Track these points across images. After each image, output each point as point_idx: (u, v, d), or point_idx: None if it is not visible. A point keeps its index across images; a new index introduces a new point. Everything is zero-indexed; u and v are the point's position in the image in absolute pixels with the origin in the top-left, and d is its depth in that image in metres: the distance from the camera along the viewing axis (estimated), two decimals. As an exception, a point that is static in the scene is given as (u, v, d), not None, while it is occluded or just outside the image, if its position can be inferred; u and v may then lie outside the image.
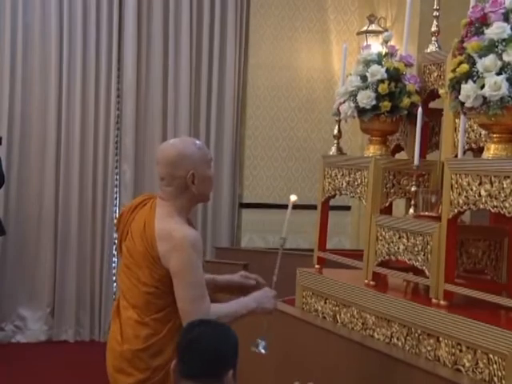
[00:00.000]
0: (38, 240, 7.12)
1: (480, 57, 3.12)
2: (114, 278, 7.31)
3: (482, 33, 3.19)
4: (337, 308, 4.01)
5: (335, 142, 4.35)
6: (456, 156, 3.70)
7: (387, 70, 3.96)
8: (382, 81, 3.94)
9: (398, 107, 3.96)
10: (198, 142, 3.22)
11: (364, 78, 3.99)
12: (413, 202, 3.83)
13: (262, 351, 3.20)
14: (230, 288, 3.39)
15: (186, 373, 2.50)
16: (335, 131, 4.36)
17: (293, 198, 3.36)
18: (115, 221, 7.27)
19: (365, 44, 4.65)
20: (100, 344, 7.15)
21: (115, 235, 7.31)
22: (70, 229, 7.13)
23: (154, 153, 7.20)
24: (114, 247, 7.33)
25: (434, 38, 4.09)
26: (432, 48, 4.08)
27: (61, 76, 7.10)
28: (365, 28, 7.16)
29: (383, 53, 4.07)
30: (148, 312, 3.05)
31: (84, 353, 6.83)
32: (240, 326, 2.97)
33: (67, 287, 7.14)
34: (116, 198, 7.37)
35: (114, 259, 7.34)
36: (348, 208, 7.59)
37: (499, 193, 3.08)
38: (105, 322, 7.22)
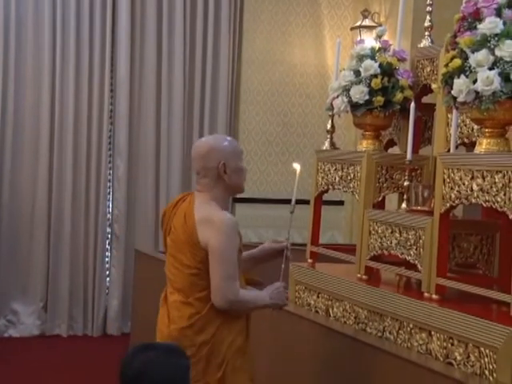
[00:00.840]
0: (31, 234, 7.10)
1: (472, 52, 3.14)
2: (108, 273, 7.31)
3: (475, 28, 3.20)
4: (329, 302, 4.02)
5: (328, 136, 4.36)
6: (448, 151, 3.71)
7: (380, 65, 3.97)
8: (375, 76, 3.95)
9: (391, 102, 3.97)
10: (228, 137, 3.49)
11: (357, 73, 4.00)
12: (405, 197, 3.84)
13: None
14: (266, 256, 3.64)
15: None
16: (328, 126, 4.37)
17: (296, 166, 3.53)
18: (109, 216, 7.31)
19: (358, 39, 4.65)
20: (93, 338, 7.16)
21: (108, 230, 7.32)
22: (63, 223, 7.12)
23: (148, 147, 7.35)
24: (108, 242, 7.34)
25: (427, 33, 4.10)
26: (425, 43, 4.09)
27: (54, 71, 7.07)
28: (358, 23, 7.17)
29: (376, 48, 4.08)
30: (191, 293, 3.27)
31: (77, 347, 6.83)
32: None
33: (60, 282, 7.13)
34: (109, 193, 7.35)
35: (108, 253, 7.34)
36: (341, 203, 7.60)
37: (491, 187, 3.10)
38: (98, 317, 7.22)
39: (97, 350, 6.78)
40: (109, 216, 7.33)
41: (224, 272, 3.18)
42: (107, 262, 7.33)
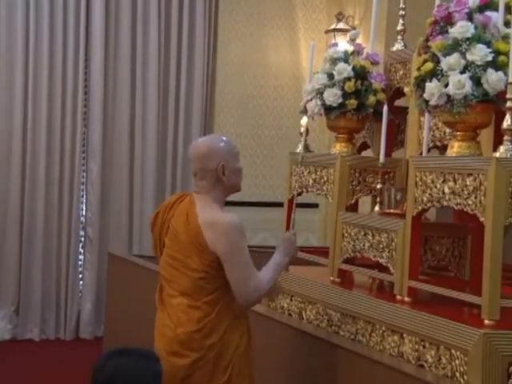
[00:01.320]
0: (3, 238, 7.04)
1: (444, 55, 3.15)
2: (81, 276, 7.27)
3: (447, 32, 3.22)
4: (302, 305, 4.02)
5: (302, 139, 4.36)
6: (421, 154, 3.73)
7: (354, 68, 3.98)
8: (348, 79, 3.96)
9: (364, 105, 3.99)
10: (224, 137, 3.48)
11: (331, 76, 4.01)
12: (378, 200, 3.85)
13: None
14: None
15: None
16: (302, 129, 4.37)
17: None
18: (82, 219, 7.26)
19: (332, 42, 4.67)
20: (65, 342, 7.11)
21: (82, 233, 7.28)
22: (36, 226, 7.07)
23: (122, 150, 7.31)
24: (81, 245, 7.29)
25: (399, 37, 4.12)
26: (398, 46, 4.10)
27: (27, 74, 7.03)
28: (333, 26, 7.19)
29: (350, 51, 4.09)
30: (199, 296, 3.27)
31: (49, 351, 6.78)
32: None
33: (32, 285, 7.07)
34: (83, 196, 7.32)
35: (81, 257, 7.29)
36: (316, 205, 7.61)
37: (462, 190, 3.11)
38: (70, 320, 7.18)
39: (69, 354, 6.74)
40: (82, 219, 7.30)
41: (241, 275, 3.22)
42: (80, 266, 7.30)
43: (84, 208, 7.31)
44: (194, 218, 3.28)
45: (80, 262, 7.30)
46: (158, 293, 3.43)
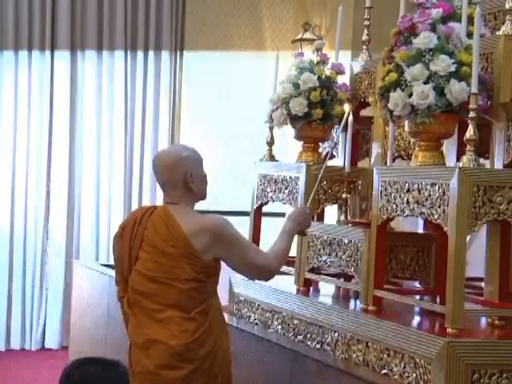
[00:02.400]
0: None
1: (408, 66, 3.18)
2: (46, 286, 7.21)
3: (410, 42, 3.24)
4: (268, 314, 4.02)
5: (268, 148, 4.37)
6: (386, 163, 3.75)
7: (319, 78, 4.00)
8: (314, 88, 3.98)
9: (330, 115, 4.00)
10: (188, 146, 3.46)
11: (296, 86, 4.02)
12: (344, 209, 3.87)
13: None
14: None
15: None
16: (268, 138, 4.38)
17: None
18: (48, 228, 7.21)
19: (298, 52, 4.68)
20: (31, 353, 7.05)
21: (47, 242, 7.22)
22: (1, 235, 7.01)
23: (89, 156, 7.25)
24: (47, 253, 7.23)
25: (364, 47, 4.14)
26: (363, 56, 4.13)
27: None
28: (299, 36, 7.22)
29: (315, 61, 4.11)
30: (191, 308, 3.24)
31: (15, 362, 6.72)
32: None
33: (-3, 295, 7.02)
34: (49, 205, 7.27)
35: (46, 266, 7.23)
36: (283, 215, 7.59)
37: (426, 200, 3.13)
38: (36, 331, 7.12)
39: (35, 364, 6.68)
40: (48, 228, 7.24)
41: (249, 258, 3.29)
42: (46, 275, 7.24)
43: (49, 217, 7.26)
44: (177, 228, 3.23)
45: (46, 271, 7.24)
46: (127, 308, 3.33)
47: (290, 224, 3.45)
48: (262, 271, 3.34)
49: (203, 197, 3.42)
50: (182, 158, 3.33)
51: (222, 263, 3.33)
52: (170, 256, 3.24)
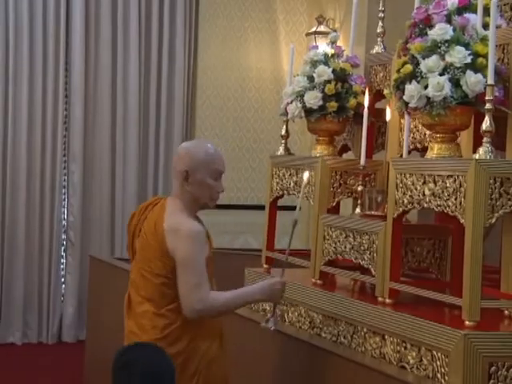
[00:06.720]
0: (-15, 242, 7.03)
1: (423, 57, 3.16)
2: (63, 280, 7.26)
3: (426, 34, 3.23)
4: (284, 307, 4.02)
5: (283, 142, 4.37)
6: (401, 156, 3.74)
7: (334, 71, 3.99)
8: (328, 81, 3.97)
9: (345, 107, 3.99)
10: (211, 149, 3.38)
11: (311, 79, 4.01)
12: (359, 202, 3.86)
13: (271, 325, 3.41)
14: None
15: None
16: (283, 131, 4.37)
17: (306, 175, 3.56)
18: (64, 223, 7.24)
19: (312, 45, 4.68)
20: (48, 346, 7.08)
21: (63, 236, 7.26)
22: (17, 230, 7.05)
23: (103, 152, 7.30)
24: (63, 248, 7.27)
25: (379, 39, 4.13)
26: (378, 49, 4.12)
27: (7, 76, 7.01)
28: (313, 29, 7.20)
29: (330, 53, 4.10)
30: (163, 303, 3.24)
31: (31, 355, 6.75)
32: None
33: (14, 289, 7.05)
34: (64, 199, 7.30)
35: (63, 260, 7.28)
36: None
37: (442, 192, 3.12)
38: (53, 324, 7.15)
39: (52, 357, 6.71)
40: (64, 222, 7.28)
41: (190, 281, 3.18)
42: (62, 269, 7.28)
43: (65, 211, 7.30)
44: (161, 222, 3.27)
45: (62, 266, 7.29)
46: (127, 299, 3.40)
47: (257, 291, 3.35)
48: (189, 305, 3.18)
49: (201, 202, 3.34)
50: (191, 153, 3.31)
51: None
52: (151, 249, 3.28)
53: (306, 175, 3.55)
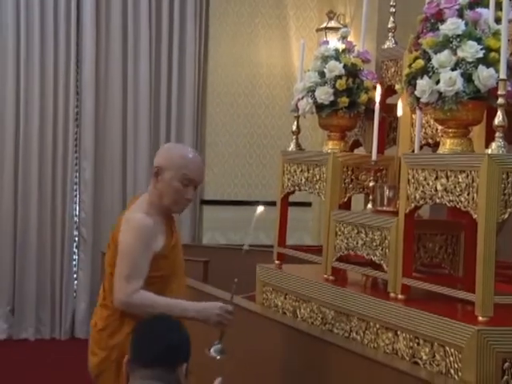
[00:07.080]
0: (-3, 238, 7.05)
1: (435, 52, 3.15)
2: (75, 276, 7.29)
3: (437, 29, 3.22)
4: (296, 303, 4.02)
5: (294, 137, 4.36)
6: (413, 151, 3.73)
7: (345, 66, 3.98)
8: (339, 77, 3.96)
9: (356, 103, 3.98)
10: (189, 155, 3.34)
11: (322, 74, 4.01)
12: (371, 197, 3.85)
13: (214, 355, 3.25)
14: None
15: (142, 361, 2.52)
16: (294, 127, 4.37)
17: (259, 209, 3.42)
18: (75, 219, 7.26)
19: (323, 40, 4.66)
20: (61, 342, 7.11)
21: (75, 232, 7.29)
22: (30, 226, 7.08)
23: (114, 149, 7.32)
24: (75, 245, 7.30)
25: (390, 34, 4.12)
26: (389, 44, 4.10)
27: (18, 73, 7.03)
28: (324, 24, 7.19)
29: (341, 49, 4.09)
30: (109, 295, 3.27)
31: (45, 351, 6.78)
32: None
33: (27, 285, 7.08)
34: (76, 196, 7.32)
35: (75, 257, 7.30)
36: (309, 204, 7.61)
37: (455, 187, 3.11)
38: (65, 320, 7.18)
39: (65, 353, 6.73)
40: (76, 219, 7.30)
41: (122, 272, 3.18)
42: (74, 265, 7.31)
43: (77, 208, 7.32)
44: (121, 214, 3.38)
45: (74, 262, 7.31)
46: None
47: (192, 310, 3.24)
48: (115, 293, 3.17)
49: (165, 204, 3.30)
50: (168, 151, 3.39)
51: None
52: (113, 240, 3.33)
53: (259, 209, 3.41)
